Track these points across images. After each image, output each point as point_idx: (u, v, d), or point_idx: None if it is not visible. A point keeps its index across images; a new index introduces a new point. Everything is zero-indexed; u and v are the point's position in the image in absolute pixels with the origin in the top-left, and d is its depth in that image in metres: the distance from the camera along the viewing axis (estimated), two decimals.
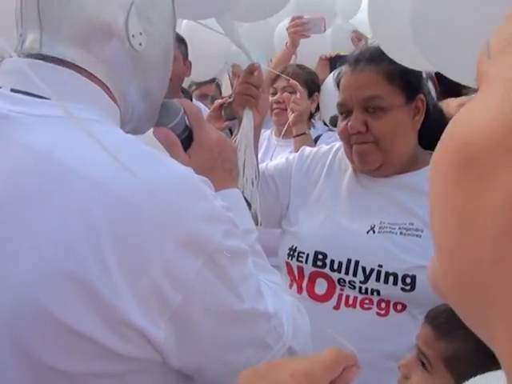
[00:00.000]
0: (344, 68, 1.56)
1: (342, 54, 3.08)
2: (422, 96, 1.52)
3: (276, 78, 2.79)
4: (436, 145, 0.33)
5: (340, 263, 1.47)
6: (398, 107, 1.49)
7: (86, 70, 0.87)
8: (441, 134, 0.34)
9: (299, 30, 2.98)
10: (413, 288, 1.41)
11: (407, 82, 1.50)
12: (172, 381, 0.87)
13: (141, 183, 0.77)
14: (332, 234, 1.52)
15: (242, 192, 1.22)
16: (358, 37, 3.75)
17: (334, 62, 3.04)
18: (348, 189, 1.59)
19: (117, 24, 0.89)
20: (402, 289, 1.41)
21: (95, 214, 0.75)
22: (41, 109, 0.83)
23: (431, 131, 1.49)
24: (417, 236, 1.45)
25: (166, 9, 0.98)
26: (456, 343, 1.15)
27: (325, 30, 3.02)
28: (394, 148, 1.50)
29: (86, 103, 0.85)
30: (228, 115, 2.54)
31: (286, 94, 2.69)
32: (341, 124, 1.54)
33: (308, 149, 1.75)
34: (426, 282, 1.53)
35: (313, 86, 2.87)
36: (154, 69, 0.96)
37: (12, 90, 0.85)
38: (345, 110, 1.53)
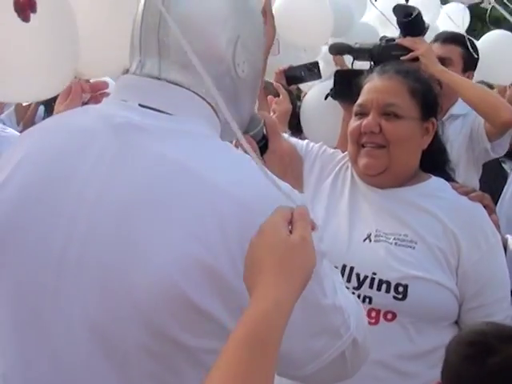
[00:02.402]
0: (372, 75, 1.63)
1: (294, 65, 3.03)
2: (434, 120, 1.59)
3: None
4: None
5: (335, 268, 1.50)
6: (413, 119, 1.55)
7: (196, 93, 1.01)
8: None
9: None
10: (404, 297, 1.44)
11: (427, 101, 1.57)
12: None
13: (260, 190, 0.93)
14: (329, 241, 1.54)
15: None
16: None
17: (287, 74, 2.98)
18: (348, 198, 1.62)
19: (226, 55, 1.03)
20: (394, 297, 1.45)
21: (225, 216, 0.90)
22: (170, 123, 0.98)
23: (432, 157, 1.55)
24: (411, 247, 1.49)
25: (261, 38, 1.12)
26: None
27: (279, 52, 2.95)
28: (401, 156, 1.54)
29: (202, 119, 1.00)
30: None
31: (270, 96, 2.71)
32: (353, 124, 1.59)
33: (315, 147, 1.73)
34: (417, 291, 1.57)
35: None
36: (249, 90, 1.11)
37: (140, 105, 0.99)
38: (362, 111, 1.58)
